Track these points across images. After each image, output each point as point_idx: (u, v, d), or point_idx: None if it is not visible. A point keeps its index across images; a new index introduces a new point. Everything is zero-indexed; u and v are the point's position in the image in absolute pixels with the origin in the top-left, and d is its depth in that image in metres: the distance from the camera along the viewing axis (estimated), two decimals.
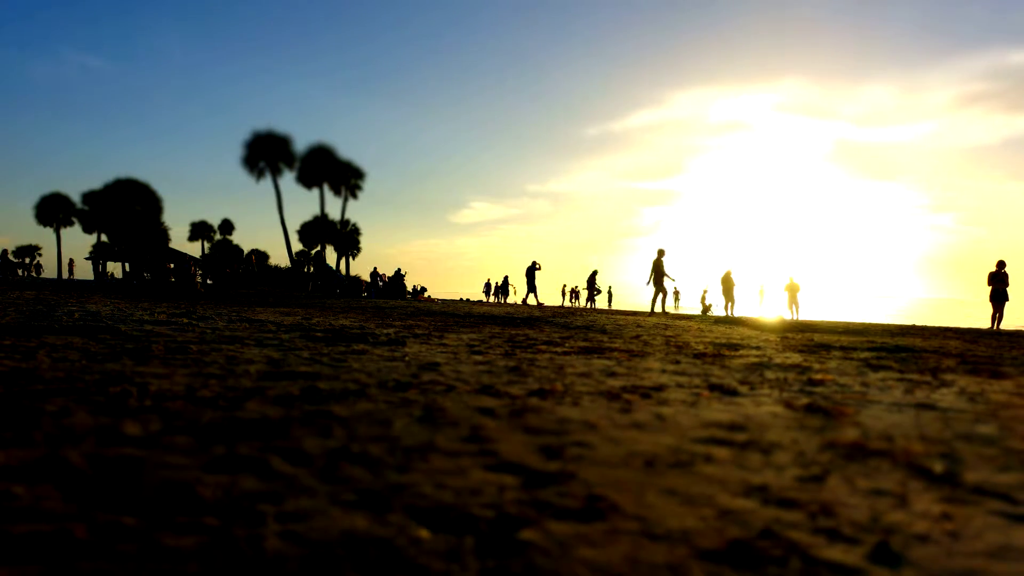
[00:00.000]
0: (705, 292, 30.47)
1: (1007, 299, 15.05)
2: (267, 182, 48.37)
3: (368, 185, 52.56)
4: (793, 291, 22.88)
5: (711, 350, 5.06)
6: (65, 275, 32.30)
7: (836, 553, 1.11)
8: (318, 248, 50.96)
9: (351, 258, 52.87)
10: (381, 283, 27.82)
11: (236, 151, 49.46)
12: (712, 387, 2.98)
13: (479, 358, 3.92)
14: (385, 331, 5.90)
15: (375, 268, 27.66)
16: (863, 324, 12.57)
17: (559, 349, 4.74)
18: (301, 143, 55.89)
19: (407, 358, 3.77)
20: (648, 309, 17.27)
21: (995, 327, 14.67)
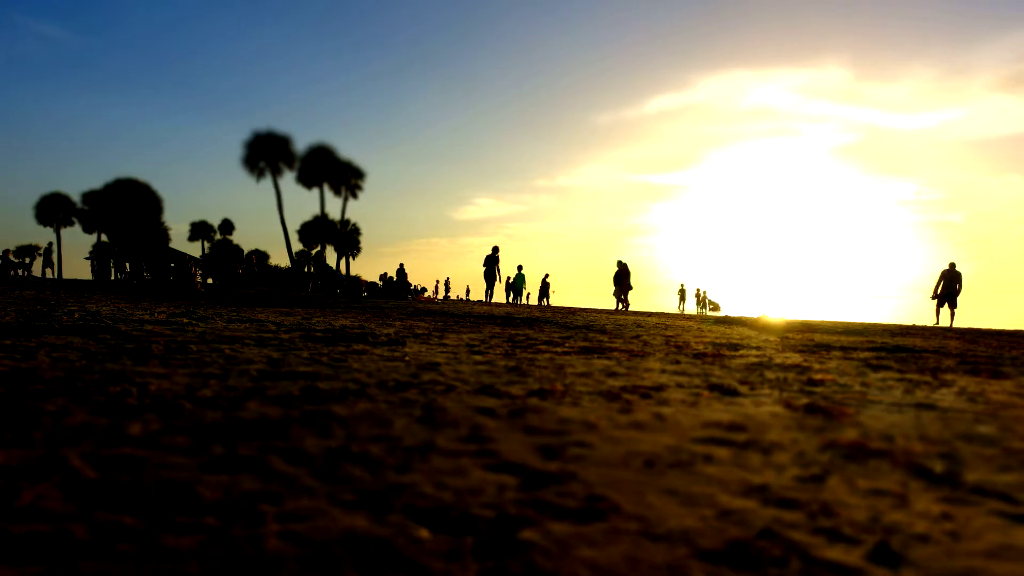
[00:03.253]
0: (704, 292, 30.87)
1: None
2: (267, 182, 48.34)
3: (369, 183, 52.57)
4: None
5: (711, 350, 5.06)
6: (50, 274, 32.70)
7: (836, 553, 1.11)
8: (318, 248, 50.96)
9: (351, 258, 52.89)
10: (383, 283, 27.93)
11: (236, 151, 49.41)
12: (712, 387, 2.98)
13: (479, 358, 3.92)
14: (385, 331, 5.90)
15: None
16: (863, 324, 12.57)
17: (559, 349, 4.74)
18: (301, 140, 56.11)
19: (407, 358, 3.77)
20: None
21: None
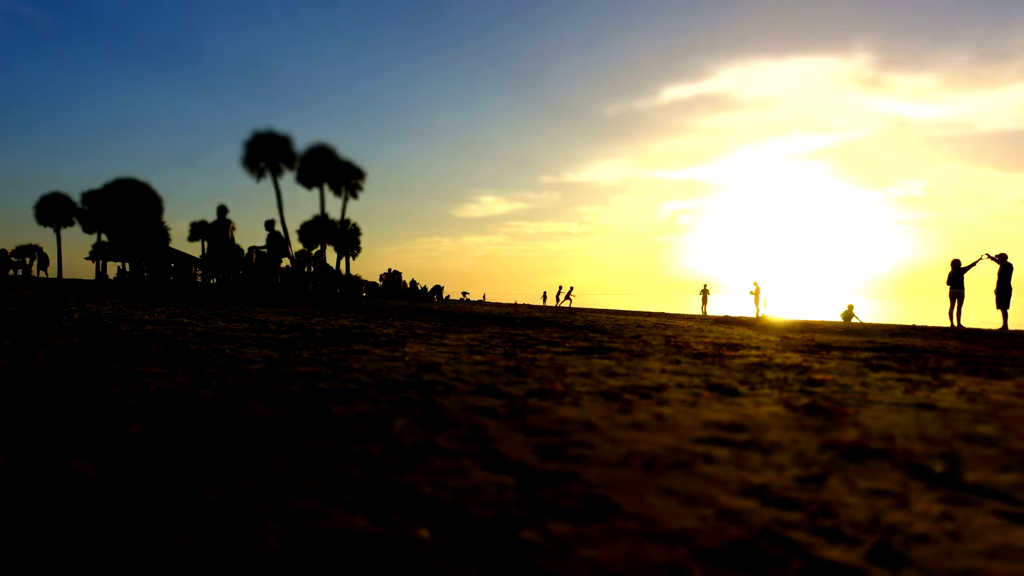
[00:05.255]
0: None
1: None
2: (267, 182, 48.46)
3: (370, 182, 52.73)
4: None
5: (711, 350, 5.06)
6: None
7: (836, 553, 1.11)
8: (318, 248, 50.98)
9: (351, 258, 53.04)
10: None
11: (237, 150, 49.45)
12: (712, 387, 2.98)
13: (479, 358, 3.92)
14: (385, 331, 5.90)
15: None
16: (863, 324, 12.57)
17: (559, 349, 4.74)
18: (301, 140, 56.30)
19: (407, 358, 3.77)
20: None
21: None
